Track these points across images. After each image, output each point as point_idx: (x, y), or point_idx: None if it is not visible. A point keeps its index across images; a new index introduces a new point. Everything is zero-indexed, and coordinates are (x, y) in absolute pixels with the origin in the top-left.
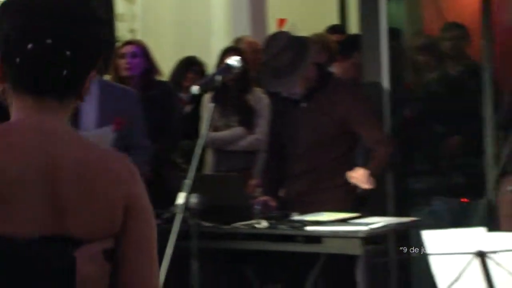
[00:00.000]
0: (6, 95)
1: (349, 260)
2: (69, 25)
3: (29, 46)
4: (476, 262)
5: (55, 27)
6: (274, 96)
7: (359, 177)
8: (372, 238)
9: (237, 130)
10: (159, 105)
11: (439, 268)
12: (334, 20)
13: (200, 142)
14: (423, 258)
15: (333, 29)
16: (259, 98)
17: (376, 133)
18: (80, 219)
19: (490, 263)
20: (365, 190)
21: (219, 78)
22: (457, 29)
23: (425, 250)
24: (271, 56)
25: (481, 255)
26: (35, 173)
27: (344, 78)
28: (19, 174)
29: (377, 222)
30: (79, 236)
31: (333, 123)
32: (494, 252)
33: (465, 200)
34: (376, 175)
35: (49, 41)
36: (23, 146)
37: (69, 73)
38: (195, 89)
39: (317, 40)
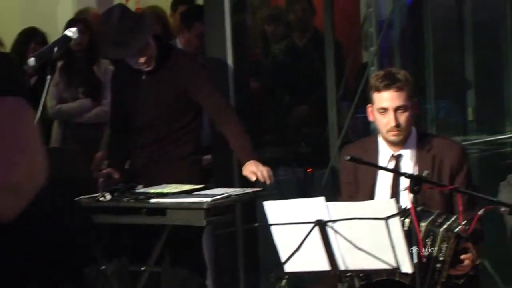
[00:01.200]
0: None
1: (197, 231)
2: None
3: None
4: (316, 230)
5: None
6: (118, 67)
7: (265, 173)
8: (218, 209)
9: (84, 102)
10: None
11: (281, 237)
12: None
13: (45, 114)
14: (269, 228)
15: (181, 1)
16: (106, 69)
17: (217, 100)
18: None
19: (329, 231)
20: (211, 162)
21: (55, 49)
22: (303, 1)
23: (267, 220)
24: (109, 27)
25: (321, 224)
26: None
27: (184, 50)
28: None
29: (222, 193)
30: None
31: (175, 94)
32: (333, 221)
33: (310, 170)
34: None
35: None
36: None
37: None
38: (31, 60)
39: (150, 12)
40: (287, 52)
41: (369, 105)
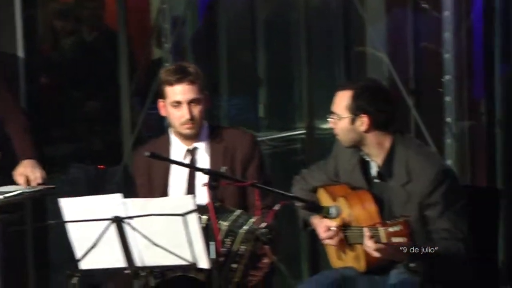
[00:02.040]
0: None
1: None
2: None
3: None
4: (113, 227)
5: None
6: None
7: (36, 175)
8: (7, 207)
9: None
10: None
11: (77, 235)
12: None
13: None
14: (61, 226)
15: None
16: None
17: (4, 98)
18: None
19: (126, 228)
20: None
21: None
22: None
23: (62, 218)
24: None
25: (117, 221)
26: None
27: None
28: None
29: (12, 190)
30: None
31: None
32: (130, 217)
33: (102, 166)
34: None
35: None
36: None
37: None
38: None
39: None
40: (76, 48)
41: (161, 100)
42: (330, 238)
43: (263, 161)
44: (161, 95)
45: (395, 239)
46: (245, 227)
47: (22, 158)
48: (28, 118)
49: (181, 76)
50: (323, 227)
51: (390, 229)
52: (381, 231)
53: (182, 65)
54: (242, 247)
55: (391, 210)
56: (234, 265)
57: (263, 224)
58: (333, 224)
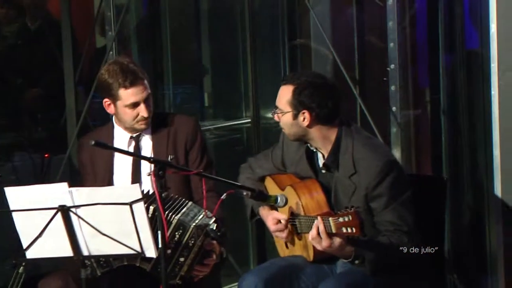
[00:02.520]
0: None
1: None
2: None
3: None
4: (59, 216)
5: None
6: None
7: None
8: None
9: None
10: None
11: (23, 224)
12: None
13: None
14: (6, 215)
15: None
16: None
17: None
18: None
19: (72, 217)
20: None
21: None
22: None
23: (7, 207)
24: None
25: (64, 210)
26: None
27: None
28: None
29: None
30: None
31: None
32: (76, 206)
33: (47, 155)
34: None
35: None
36: None
37: None
38: None
39: None
40: (19, 35)
41: (108, 100)
42: (280, 231)
43: (205, 144)
44: (110, 96)
45: (345, 229)
46: (196, 222)
47: None
48: None
49: (133, 77)
50: (272, 219)
51: (340, 219)
52: (331, 220)
53: (124, 65)
54: (191, 241)
55: (338, 200)
56: (182, 259)
57: (213, 219)
58: (282, 217)
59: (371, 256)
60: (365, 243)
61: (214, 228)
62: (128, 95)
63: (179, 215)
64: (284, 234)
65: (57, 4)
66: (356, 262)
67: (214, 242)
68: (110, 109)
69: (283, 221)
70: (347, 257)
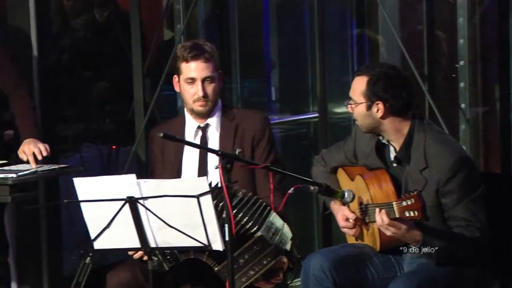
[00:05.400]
0: None
1: None
2: None
3: None
4: (127, 208)
5: None
6: None
7: (40, 148)
8: (21, 185)
9: None
10: None
11: (91, 215)
12: None
13: None
14: (74, 205)
15: None
16: None
17: (11, 78)
18: None
19: (140, 209)
20: (12, 137)
21: None
22: None
23: (76, 197)
24: None
25: (131, 201)
26: None
27: None
28: None
29: (26, 169)
30: None
31: None
32: (144, 198)
33: (115, 147)
34: None
35: None
36: None
37: None
38: None
39: None
40: (87, 28)
41: (175, 76)
42: (348, 228)
43: (273, 141)
44: (176, 70)
45: (408, 213)
46: (276, 240)
47: (23, 137)
48: (31, 96)
49: (197, 53)
50: (342, 215)
51: (404, 203)
52: (394, 205)
53: (199, 42)
54: (266, 259)
55: (409, 192)
56: (252, 272)
57: (290, 236)
58: (351, 215)
59: (440, 244)
60: (435, 230)
61: (289, 247)
62: (187, 68)
63: (262, 229)
64: (352, 232)
65: None
66: (424, 249)
67: (285, 260)
68: (177, 87)
69: (351, 220)
70: (416, 242)
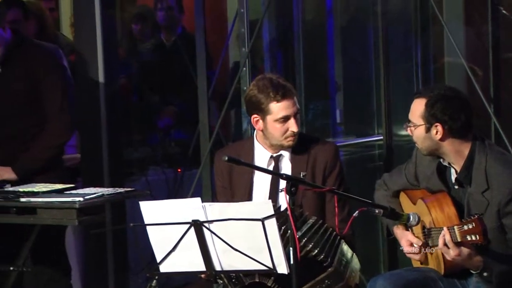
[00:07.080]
0: None
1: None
2: None
3: None
4: (192, 231)
5: None
6: None
7: None
8: (88, 209)
9: None
10: None
11: (157, 238)
12: None
13: None
14: (139, 228)
15: None
16: None
17: (53, 104)
18: None
19: (205, 232)
20: (77, 161)
21: None
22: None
23: (142, 221)
24: None
25: (197, 225)
26: None
27: (43, 43)
28: None
29: (93, 192)
30: None
31: (25, 90)
32: (209, 221)
33: (180, 170)
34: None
35: None
36: None
37: None
38: None
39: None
40: (154, 52)
41: (256, 116)
42: (413, 253)
43: (343, 172)
44: (260, 111)
45: (470, 237)
46: (347, 272)
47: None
48: (61, 134)
49: (284, 91)
50: (406, 241)
51: (465, 227)
52: (456, 229)
53: (275, 80)
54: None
55: (470, 215)
56: None
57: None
58: (415, 240)
59: (500, 269)
60: (495, 254)
61: (358, 280)
62: (279, 108)
63: (334, 262)
64: (417, 257)
65: (191, 19)
66: (485, 274)
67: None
68: (258, 126)
69: (416, 246)
70: (476, 268)
